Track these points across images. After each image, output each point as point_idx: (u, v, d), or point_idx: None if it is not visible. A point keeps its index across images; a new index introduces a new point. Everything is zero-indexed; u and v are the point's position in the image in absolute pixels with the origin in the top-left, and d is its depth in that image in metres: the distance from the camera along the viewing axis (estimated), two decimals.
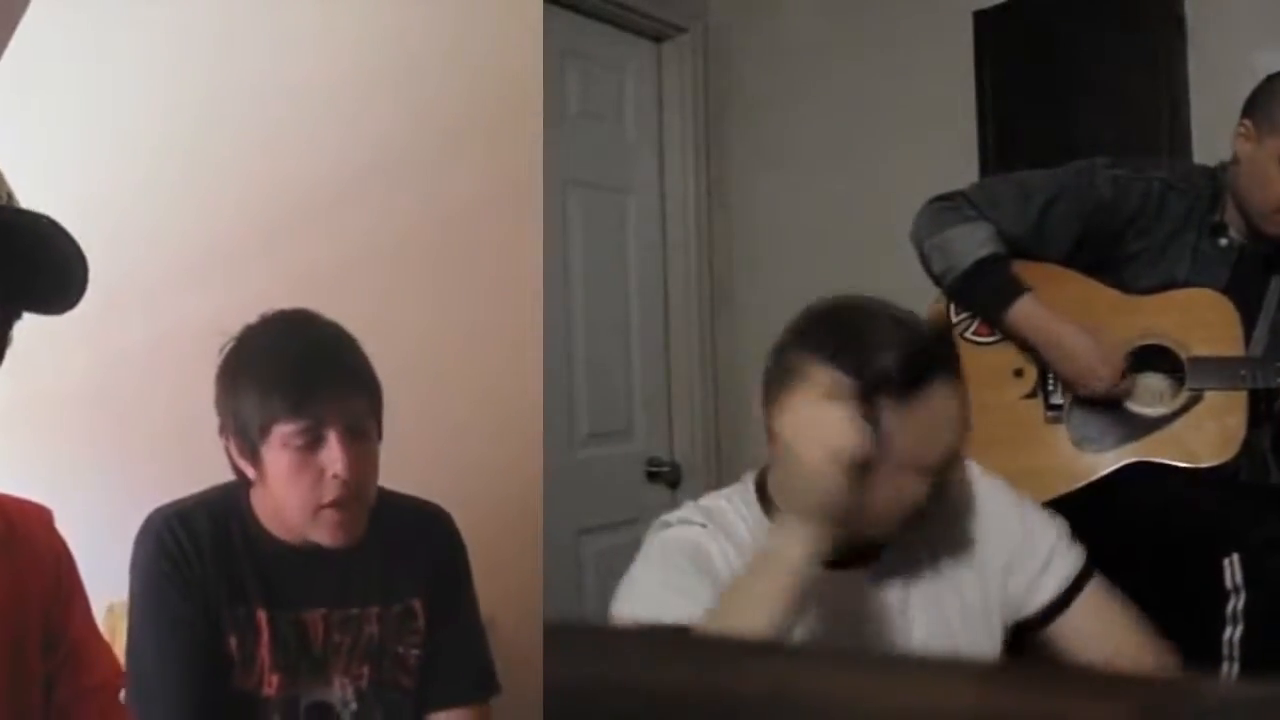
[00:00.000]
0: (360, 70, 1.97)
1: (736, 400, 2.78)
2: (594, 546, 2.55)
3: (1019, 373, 1.73)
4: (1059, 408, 1.71)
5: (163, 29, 1.80)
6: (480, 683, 1.39)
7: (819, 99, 2.67)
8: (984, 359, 1.73)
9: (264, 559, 1.28)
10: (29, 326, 1.00)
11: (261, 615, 1.26)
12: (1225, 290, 1.64)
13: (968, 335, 1.74)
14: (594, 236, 2.63)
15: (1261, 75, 1.64)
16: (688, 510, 1.22)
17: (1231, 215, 1.66)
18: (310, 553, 1.27)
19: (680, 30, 2.80)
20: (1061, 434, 1.70)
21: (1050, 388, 1.71)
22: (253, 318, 1.29)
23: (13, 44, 1.67)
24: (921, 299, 1.76)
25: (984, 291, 1.71)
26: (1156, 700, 0.36)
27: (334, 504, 1.23)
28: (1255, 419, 1.63)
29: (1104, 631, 1.21)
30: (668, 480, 2.73)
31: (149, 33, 1.80)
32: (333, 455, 1.21)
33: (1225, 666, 1.49)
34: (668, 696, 0.38)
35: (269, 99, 1.90)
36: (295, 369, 1.23)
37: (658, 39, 2.81)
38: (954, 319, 1.76)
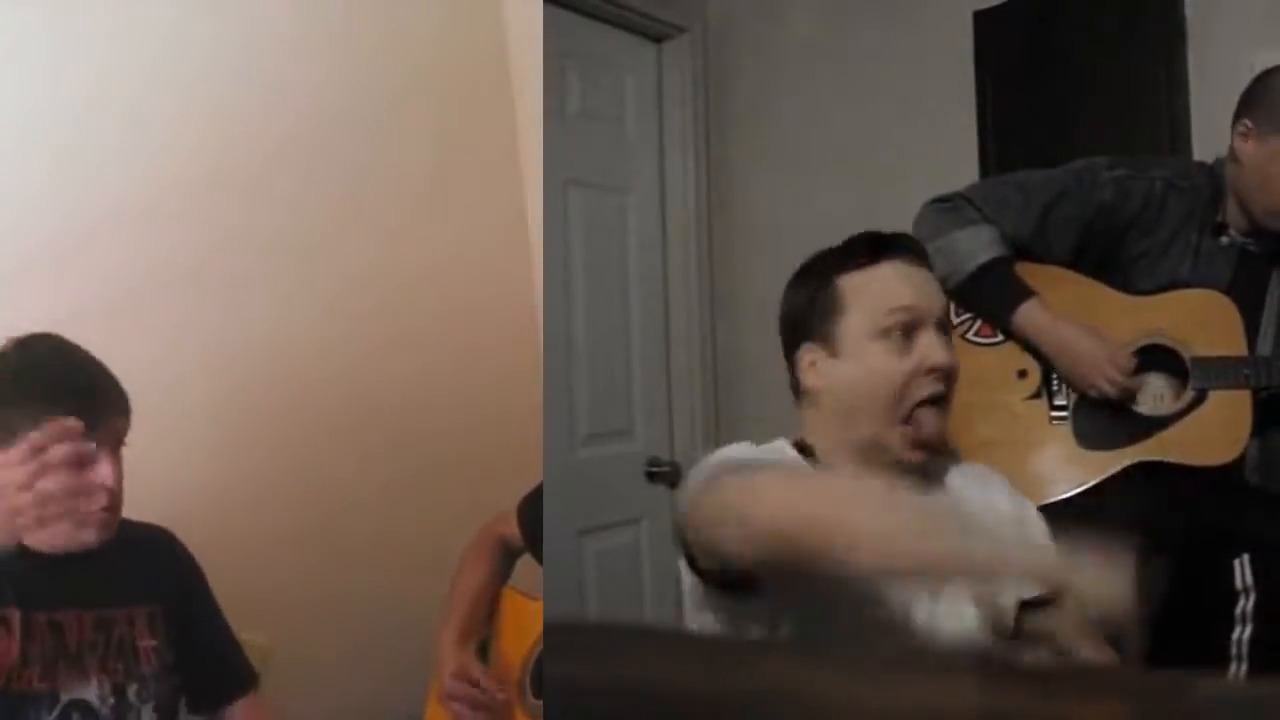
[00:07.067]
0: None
1: (736, 400, 2.77)
2: (594, 546, 2.55)
3: (1023, 374, 1.72)
4: (1063, 408, 1.70)
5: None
6: (238, 680, 1.52)
7: (819, 99, 2.67)
8: (986, 360, 1.72)
9: (17, 563, 1.32)
10: None
11: (15, 614, 1.32)
12: (1228, 289, 1.64)
13: (969, 336, 1.74)
14: (594, 236, 2.63)
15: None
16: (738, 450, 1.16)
17: (1232, 213, 1.65)
18: (62, 558, 1.35)
19: (680, 30, 2.80)
20: (1066, 435, 1.69)
21: (1054, 389, 1.71)
22: None
23: None
24: None
25: (989, 295, 1.70)
26: (1156, 700, 0.36)
27: (104, 509, 1.34)
28: (1259, 418, 1.62)
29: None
30: (668, 480, 2.73)
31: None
32: (104, 471, 1.34)
33: (1234, 667, 1.49)
34: (668, 696, 0.38)
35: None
36: (69, 391, 1.31)
37: (658, 39, 2.81)
38: (955, 320, 1.75)
